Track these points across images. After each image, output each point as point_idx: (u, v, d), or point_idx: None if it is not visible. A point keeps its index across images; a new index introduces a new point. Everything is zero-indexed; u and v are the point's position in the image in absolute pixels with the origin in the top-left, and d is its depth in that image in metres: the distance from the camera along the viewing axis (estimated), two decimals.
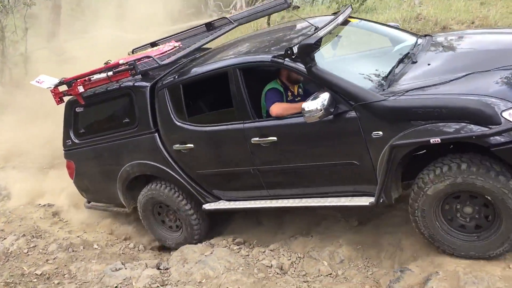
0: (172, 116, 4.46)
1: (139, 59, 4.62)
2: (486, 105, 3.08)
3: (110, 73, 4.54)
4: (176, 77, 4.47)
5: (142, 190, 4.95)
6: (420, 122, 3.27)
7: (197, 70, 4.46)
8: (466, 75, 3.38)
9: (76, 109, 5.19)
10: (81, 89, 4.71)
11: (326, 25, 3.94)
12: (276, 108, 3.96)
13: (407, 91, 3.40)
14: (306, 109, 3.50)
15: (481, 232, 3.35)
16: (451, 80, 3.36)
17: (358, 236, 4.24)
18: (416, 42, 4.27)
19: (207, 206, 4.61)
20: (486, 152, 3.13)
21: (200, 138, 4.38)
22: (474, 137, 3.06)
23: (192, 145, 4.42)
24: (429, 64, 3.78)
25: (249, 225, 5.04)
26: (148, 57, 4.64)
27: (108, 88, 4.84)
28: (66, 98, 5.03)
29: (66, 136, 5.41)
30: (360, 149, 3.60)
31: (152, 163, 4.72)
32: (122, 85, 4.75)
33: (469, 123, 3.11)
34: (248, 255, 4.33)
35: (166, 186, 4.77)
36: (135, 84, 4.68)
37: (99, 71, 4.70)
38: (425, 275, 3.38)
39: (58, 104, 4.99)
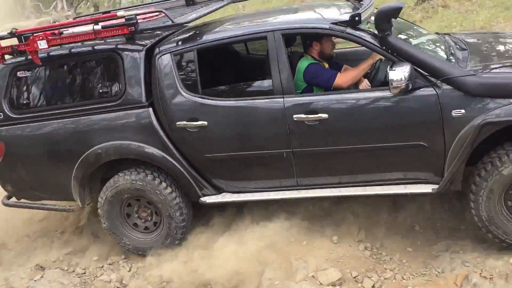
0: (178, 87, 3.73)
1: (139, 14, 3.81)
2: None
3: (98, 27, 3.65)
4: (186, 41, 3.81)
5: (109, 180, 4.04)
6: (509, 101, 3.13)
7: (221, 35, 3.87)
8: None
9: (18, 73, 4.09)
10: (42, 44, 3.69)
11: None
12: (344, 80, 3.66)
13: (495, 68, 3.26)
14: (395, 78, 3.15)
15: None
16: None
17: None
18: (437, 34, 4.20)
19: (207, 199, 3.91)
20: None
21: (219, 114, 3.70)
22: None
23: (205, 123, 3.69)
24: (485, 51, 3.77)
25: None
26: (159, 12, 3.97)
27: (78, 49, 3.92)
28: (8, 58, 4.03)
29: None
30: (434, 130, 3.32)
31: (139, 144, 3.83)
32: (101, 47, 3.89)
33: None
34: (84, 273, 4.09)
35: (151, 173, 3.95)
36: (124, 46, 3.82)
37: (81, 23, 3.84)
38: None
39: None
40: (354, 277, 3.39)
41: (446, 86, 3.24)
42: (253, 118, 3.64)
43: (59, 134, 4.00)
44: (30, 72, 4.07)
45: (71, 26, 3.86)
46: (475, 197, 3.31)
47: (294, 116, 3.50)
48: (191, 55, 3.74)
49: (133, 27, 3.61)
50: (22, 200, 4.48)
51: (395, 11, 3.31)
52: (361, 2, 3.87)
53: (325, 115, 3.45)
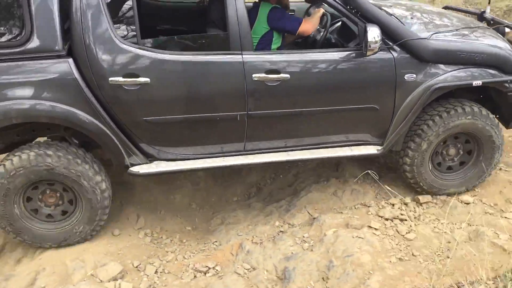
0: (111, 34, 2.97)
1: None
2: (510, 56, 3.47)
3: None
4: None
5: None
6: (458, 66, 3.37)
7: None
8: (475, 28, 3.65)
9: None
10: None
11: None
12: (311, 27, 3.50)
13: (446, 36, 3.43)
14: (373, 40, 3.05)
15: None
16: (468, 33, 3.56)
17: None
18: None
19: (140, 169, 3.26)
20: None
21: (166, 71, 3.08)
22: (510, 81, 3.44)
23: (147, 79, 3.02)
24: (412, 18, 3.71)
25: None
26: None
27: None
28: None
29: None
30: (387, 93, 3.36)
31: (54, 104, 2.96)
32: None
33: (497, 71, 3.44)
34: None
35: (62, 146, 3.18)
36: None
37: None
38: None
39: None
40: (136, 267, 3.30)
41: (401, 51, 3.31)
42: (206, 76, 3.14)
43: None
44: None
45: None
46: (412, 155, 3.58)
47: (254, 75, 3.15)
48: None
49: None
50: None
51: None
52: None
53: (287, 76, 3.19)
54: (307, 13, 4.07)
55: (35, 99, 2.94)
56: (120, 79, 3.01)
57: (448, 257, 2.97)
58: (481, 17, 4.28)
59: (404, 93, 3.39)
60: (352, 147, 3.58)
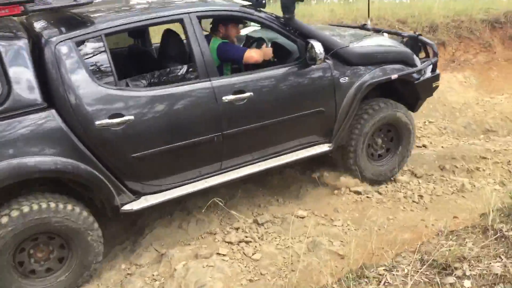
0: (91, 80, 3.05)
1: None
2: (410, 54, 4.40)
3: None
4: (88, 26, 3.11)
5: None
6: (375, 66, 4.11)
7: (133, 18, 3.31)
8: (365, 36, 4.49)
9: None
10: None
11: None
12: (254, 54, 3.78)
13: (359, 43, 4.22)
14: (319, 52, 3.58)
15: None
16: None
17: None
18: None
19: (133, 206, 3.32)
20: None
21: (147, 106, 3.20)
22: (415, 72, 4.34)
23: (131, 117, 3.12)
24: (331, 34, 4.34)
25: None
26: None
27: None
28: None
29: None
30: (329, 96, 3.93)
31: (45, 158, 2.89)
32: None
33: (405, 65, 4.30)
34: None
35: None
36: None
37: None
38: None
39: None
40: None
41: (334, 60, 3.91)
42: (187, 105, 3.35)
43: None
44: None
45: None
46: (355, 147, 4.20)
47: (223, 97, 3.43)
48: (99, 41, 3.18)
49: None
50: None
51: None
52: None
53: (250, 94, 3.53)
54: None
55: (21, 156, 2.84)
56: (107, 120, 3.07)
57: (293, 270, 3.16)
58: (363, 28, 5.08)
59: (342, 94, 4.00)
60: (308, 149, 4.07)
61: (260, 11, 3.84)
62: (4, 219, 2.83)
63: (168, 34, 4.08)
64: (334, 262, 3.22)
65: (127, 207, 3.33)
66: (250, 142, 3.76)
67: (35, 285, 3.07)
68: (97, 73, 3.30)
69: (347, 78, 3.99)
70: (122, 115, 3.11)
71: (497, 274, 2.48)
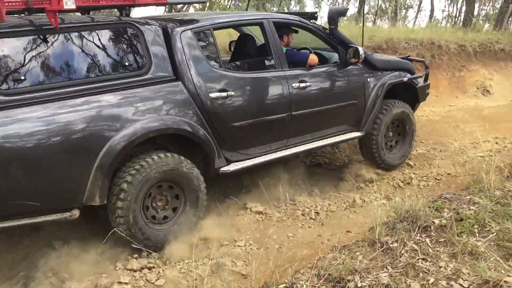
0: (206, 61, 4.06)
1: None
2: (412, 65, 5.79)
3: None
4: (196, 23, 4.12)
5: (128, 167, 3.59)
6: (390, 72, 5.38)
7: (225, 20, 4.49)
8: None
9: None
10: (69, 4, 3.14)
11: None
12: (314, 58, 4.84)
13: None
14: (362, 53, 4.84)
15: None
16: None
17: None
18: None
19: (230, 168, 4.16)
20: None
21: (239, 85, 4.17)
22: (417, 77, 5.84)
23: (232, 92, 4.08)
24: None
25: None
26: None
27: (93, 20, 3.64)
28: None
29: None
30: (360, 92, 5.09)
31: (176, 118, 3.73)
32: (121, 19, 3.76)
33: (409, 73, 5.64)
34: None
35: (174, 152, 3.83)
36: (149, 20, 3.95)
37: None
38: None
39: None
40: None
41: (363, 64, 5.09)
42: (268, 87, 4.34)
43: (74, 118, 3.26)
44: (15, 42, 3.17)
45: None
46: (377, 136, 5.33)
47: (293, 84, 4.48)
48: (209, 33, 4.29)
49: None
50: None
51: (344, 11, 5.33)
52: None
53: (310, 84, 4.61)
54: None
55: (165, 116, 3.68)
56: (217, 94, 3.98)
57: None
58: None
59: (369, 91, 5.16)
60: (345, 134, 5.10)
61: (313, 22, 5.08)
62: (144, 163, 3.57)
63: (244, 36, 5.17)
64: (237, 282, 3.29)
65: (225, 169, 4.15)
66: (307, 124, 4.73)
67: (155, 228, 3.73)
68: (208, 57, 4.26)
69: (372, 79, 5.20)
70: (226, 90, 4.04)
71: (384, 283, 2.72)
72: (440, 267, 2.93)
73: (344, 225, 4.38)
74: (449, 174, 5.50)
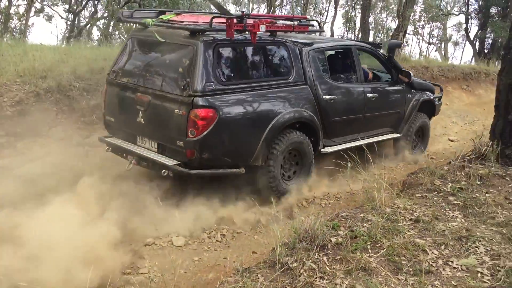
0: (322, 73, 5.77)
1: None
2: (433, 87, 7.75)
3: (296, 23, 5.65)
4: (315, 45, 5.88)
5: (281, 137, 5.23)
6: (420, 91, 7.28)
7: (330, 44, 6.69)
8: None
9: (220, 49, 4.81)
10: (262, 28, 4.91)
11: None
12: (371, 76, 6.86)
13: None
14: (412, 76, 6.98)
15: None
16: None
17: None
18: None
19: (328, 150, 5.87)
20: None
21: (339, 91, 5.92)
22: (438, 97, 7.88)
23: (335, 97, 5.81)
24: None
25: None
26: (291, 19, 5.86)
27: (262, 38, 5.26)
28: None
29: (204, 78, 4.59)
30: (402, 104, 6.96)
31: (306, 111, 5.45)
32: (276, 38, 5.42)
33: (431, 93, 7.56)
34: None
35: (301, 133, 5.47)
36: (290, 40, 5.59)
37: (284, 18, 5.96)
38: None
39: (230, 37, 4.66)
40: None
41: (406, 83, 6.96)
42: (352, 95, 6.16)
43: (255, 103, 4.98)
44: (229, 49, 4.95)
45: (281, 19, 5.74)
46: (410, 138, 7.24)
47: (367, 94, 6.31)
48: (323, 53, 6.17)
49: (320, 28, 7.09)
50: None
51: (400, 44, 8.19)
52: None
53: (376, 94, 6.42)
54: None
55: (301, 109, 5.43)
56: (326, 96, 5.71)
57: None
58: None
59: (408, 104, 7.03)
60: (389, 134, 6.90)
61: (377, 50, 6.93)
62: (286, 136, 5.24)
63: (337, 54, 6.77)
64: None
65: (323, 150, 5.84)
66: (371, 124, 6.47)
67: (285, 184, 5.38)
68: (322, 69, 5.85)
69: (410, 95, 7.04)
70: (332, 94, 5.79)
71: None
72: (336, 284, 3.08)
73: (250, 247, 4.45)
74: (348, 192, 5.81)
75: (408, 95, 6.97)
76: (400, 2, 16.70)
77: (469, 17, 26.94)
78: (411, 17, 20.54)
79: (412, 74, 6.93)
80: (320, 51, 5.93)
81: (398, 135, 6.96)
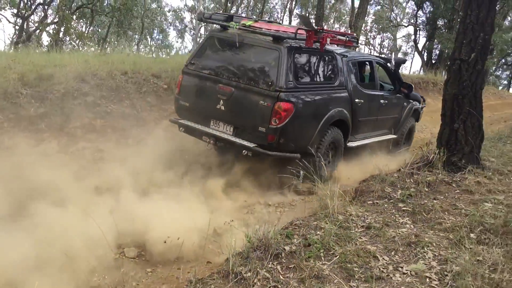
0: (355, 80, 6.93)
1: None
2: (420, 97, 9.14)
3: (347, 38, 7.33)
4: (350, 55, 7.14)
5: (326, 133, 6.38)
6: (412, 100, 8.55)
7: (359, 56, 7.77)
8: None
9: (296, 55, 5.92)
10: (328, 41, 6.13)
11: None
12: None
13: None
14: (412, 87, 8.32)
15: None
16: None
17: None
18: None
19: (352, 145, 7.05)
20: None
21: (365, 96, 7.07)
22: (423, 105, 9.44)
23: (362, 100, 6.96)
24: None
25: None
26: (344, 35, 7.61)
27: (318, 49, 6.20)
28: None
29: (287, 77, 5.71)
30: (400, 110, 8.22)
31: (345, 111, 6.59)
32: (327, 49, 6.43)
33: (419, 103, 8.91)
34: None
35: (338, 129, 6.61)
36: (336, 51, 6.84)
37: (340, 34, 7.58)
38: None
39: (309, 46, 5.88)
40: None
41: (402, 93, 8.19)
42: (373, 100, 7.37)
43: (316, 101, 6.17)
44: (300, 56, 6.08)
45: (338, 34, 7.32)
46: (402, 137, 8.65)
47: (381, 101, 7.60)
48: (355, 63, 7.17)
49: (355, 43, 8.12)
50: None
51: (405, 61, 10.34)
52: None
53: (386, 101, 7.72)
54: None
55: (342, 108, 6.55)
56: (357, 99, 6.85)
57: None
58: None
59: (404, 110, 8.26)
60: (386, 135, 7.95)
61: (387, 64, 8.16)
62: (329, 133, 6.37)
63: (363, 64, 7.90)
64: None
65: (348, 145, 6.91)
66: (379, 125, 7.74)
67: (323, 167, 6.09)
68: (355, 77, 6.98)
69: (406, 103, 8.28)
70: (360, 99, 6.89)
71: None
72: None
73: (205, 256, 4.39)
74: (302, 199, 5.86)
75: (405, 103, 8.31)
76: (352, 13, 17.16)
77: (418, 28, 28.05)
78: (362, 28, 21.04)
79: (413, 87, 8.34)
80: (353, 61, 7.04)
81: (394, 136, 8.24)
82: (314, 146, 6.10)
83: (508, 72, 38.72)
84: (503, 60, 36.28)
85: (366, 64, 7.89)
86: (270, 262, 3.39)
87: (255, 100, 5.75)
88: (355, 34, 10.08)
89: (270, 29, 6.10)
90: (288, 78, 5.67)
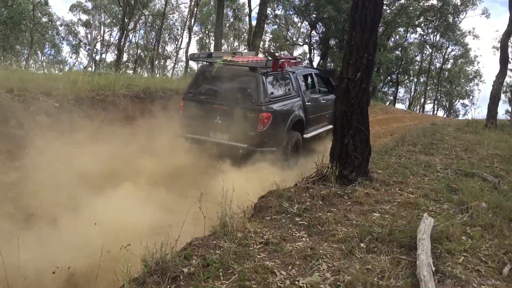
0: (304, 88, 9.48)
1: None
2: None
3: (297, 60, 10.52)
4: (298, 71, 9.58)
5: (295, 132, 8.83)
6: None
7: (303, 71, 10.01)
8: None
9: (267, 78, 8.25)
10: (286, 65, 8.96)
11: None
12: None
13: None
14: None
15: None
16: None
17: None
18: None
19: (307, 135, 9.30)
20: None
21: (311, 100, 9.49)
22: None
23: (309, 103, 9.31)
24: None
25: None
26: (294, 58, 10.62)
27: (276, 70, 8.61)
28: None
29: (264, 95, 8.00)
30: (332, 106, 8.21)
31: (301, 112, 9.02)
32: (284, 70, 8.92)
33: None
34: None
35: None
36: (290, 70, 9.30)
37: (291, 58, 10.40)
38: None
39: (275, 70, 8.50)
40: None
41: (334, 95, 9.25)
42: (317, 101, 9.99)
43: (284, 108, 8.51)
44: (270, 78, 8.45)
45: (290, 59, 10.07)
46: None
47: (321, 101, 10.25)
48: (302, 76, 9.64)
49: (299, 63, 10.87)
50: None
51: (334, 70, 12.52)
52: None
53: (325, 101, 10.32)
54: None
55: (299, 111, 8.98)
56: (308, 103, 9.40)
57: None
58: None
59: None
60: (328, 126, 10.01)
61: (322, 74, 11.12)
62: (294, 136, 8.85)
63: (306, 77, 10.11)
64: None
65: (304, 136, 9.13)
66: (322, 119, 10.14)
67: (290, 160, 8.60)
68: (305, 86, 9.69)
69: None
70: (309, 102, 9.40)
71: None
72: None
73: (98, 286, 4.16)
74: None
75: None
76: (250, 32, 17.61)
77: (312, 47, 29.49)
78: (260, 46, 21.66)
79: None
80: (301, 75, 9.59)
81: (331, 126, 9.66)
82: (285, 140, 8.40)
83: (393, 89, 42.04)
84: (389, 78, 39.41)
85: (309, 75, 10.25)
86: (168, 286, 3.30)
87: (243, 113, 7.94)
88: (300, 57, 13.37)
89: (247, 61, 8.80)
90: (266, 95, 8.02)
